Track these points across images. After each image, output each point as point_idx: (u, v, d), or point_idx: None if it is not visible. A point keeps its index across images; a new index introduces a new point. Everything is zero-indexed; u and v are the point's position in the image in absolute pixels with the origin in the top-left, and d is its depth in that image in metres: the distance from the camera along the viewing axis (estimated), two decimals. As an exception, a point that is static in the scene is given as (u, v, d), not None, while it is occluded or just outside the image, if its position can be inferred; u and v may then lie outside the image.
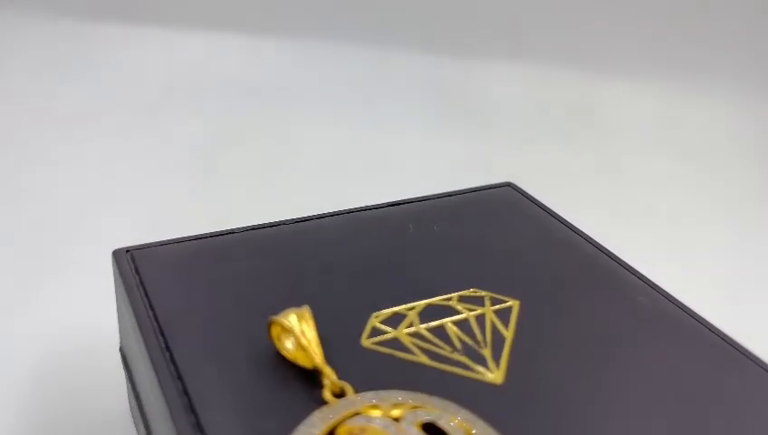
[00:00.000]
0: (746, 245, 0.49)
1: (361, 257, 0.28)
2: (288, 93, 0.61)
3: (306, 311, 0.22)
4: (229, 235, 0.28)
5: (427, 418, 0.20)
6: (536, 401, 0.21)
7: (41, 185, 0.47)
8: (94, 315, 0.34)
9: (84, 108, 0.57)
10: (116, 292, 0.27)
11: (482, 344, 0.23)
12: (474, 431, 0.19)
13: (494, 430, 0.20)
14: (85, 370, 0.32)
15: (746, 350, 0.25)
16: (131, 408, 0.29)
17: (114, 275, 0.26)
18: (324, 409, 0.20)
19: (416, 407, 0.20)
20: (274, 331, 0.22)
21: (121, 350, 0.29)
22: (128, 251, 0.26)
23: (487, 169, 0.55)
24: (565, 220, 0.32)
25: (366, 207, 0.31)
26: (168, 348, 0.22)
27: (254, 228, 0.29)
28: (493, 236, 0.30)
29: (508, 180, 0.35)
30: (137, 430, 0.29)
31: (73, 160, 0.50)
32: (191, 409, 0.20)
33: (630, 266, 0.29)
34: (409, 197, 0.32)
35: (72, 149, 0.52)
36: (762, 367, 0.24)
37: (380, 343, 0.23)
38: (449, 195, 0.33)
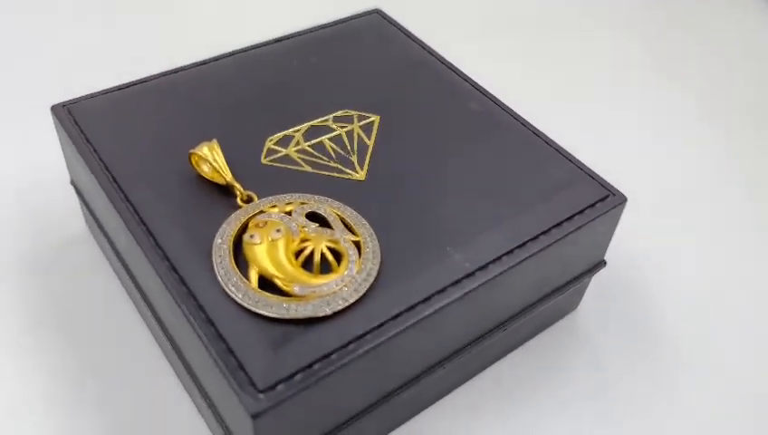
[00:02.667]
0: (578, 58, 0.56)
1: (255, 92, 0.34)
2: None
3: (215, 143, 0.29)
4: (145, 82, 0.34)
5: (309, 209, 0.28)
6: (390, 191, 0.30)
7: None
8: (39, 159, 0.40)
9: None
10: (60, 140, 0.33)
11: (350, 153, 0.32)
12: (342, 214, 0.28)
13: (358, 213, 0.28)
14: (44, 200, 0.39)
15: (554, 142, 0.33)
16: (89, 226, 0.37)
17: (56, 127, 0.33)
18: (238, 212, 0.28)
19: (303, 203, 0.28)
20: (194, 159, 0.29)
21: (73, 183, 0.36)
22: (64, 106, 0.33)
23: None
24: (421, 41, 0.39)
25: (253, 45, 0.37)
26: (114, 180, 0.29)
27: (164, 74, 0.35)
28: (361, 61, 0.37)
29: (377, 7, 0.41)
30: (96, 241, 0.37)
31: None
32: (141, 221, 0.28)
33: (468, 77, 0.37)
34: (291, 32, 0.39)
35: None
36: (569, 159, 0.32)
37: (275, 160, 0.31)
38: (323, 27, 0.39)
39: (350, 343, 0.25)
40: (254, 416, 0.23)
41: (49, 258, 0.36)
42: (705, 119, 0.50)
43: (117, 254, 0.32)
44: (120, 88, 0.34)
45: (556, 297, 0.33)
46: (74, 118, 0.32)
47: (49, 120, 0.40)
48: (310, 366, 0.24)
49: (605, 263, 0.34)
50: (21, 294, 0.35)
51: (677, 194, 0.43)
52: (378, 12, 0.41)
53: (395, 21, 0.40)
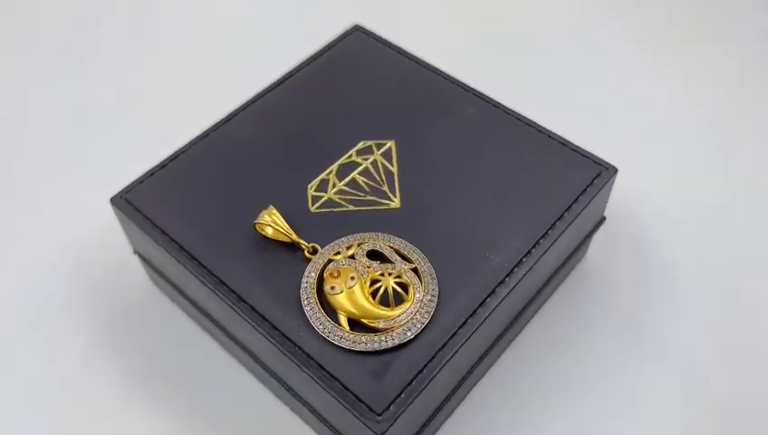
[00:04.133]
0: None
1: (278, 141, 0.38)
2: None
3: (272, 209, 0.34)
4: (179, 156, 0.38)
5: (368, 248, 0.33)
6: (425, 212, 0.35)
7: None
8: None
9: None
10: (124, 227, 0.37)
11: (381, 183, 0.37)
12: (395, 244, 0.33)
13: (405, 240, 0.34)
14: (104, 266, 0.43)
15: (546, 130, 0.38)
16: (157, 285, 0.42)
17: (119, 216, 0.37)
18: (310, 265, 0.33)
19: (360, 244, 0.34)
20: (258, 227, 0.34)
21: (136, 252, 0.40)
22: (121, 196, 0.37)
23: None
24: (405, 51, 0.43)
25: (258, 94, 0.41)
26: (194, 258, 0.34)
27: (192, 143, 0.39)
28: (359, 87, 0.41)
29: (355, 23, 0.45)
30: (171, 299, 0.41)
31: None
32: (231, 290, 0.33)
33: (459, 81, 0.41)
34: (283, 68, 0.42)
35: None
36: (563, 143, 0.38)
37: (321, 206, 0.36)
38: (314, 58, 0.43)
39: (434, 355, 0.31)
40: (381, 434, 0.29)
41: (127, 316, 0.41)
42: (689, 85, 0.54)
43: (206, 315, 0.37)
44: (162, 166, 0.38)
45: (573, 259, 0.39)
46: (135, 206, 0.36)
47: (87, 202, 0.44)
48: (410, 383, 0.30)
49: (605, 218, 0.40)
50: (111, 352, 0.40)
51: (663, 150, 0.49)
52: (358, 29, 0.44)
53: (375, 34, 0.44)
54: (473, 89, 0.41)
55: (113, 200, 0.37)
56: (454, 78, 0.41)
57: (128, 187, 0.37)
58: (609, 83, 0.53)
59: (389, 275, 0.32)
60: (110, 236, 0.43)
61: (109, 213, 0.43)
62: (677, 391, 0.37)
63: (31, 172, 0.49)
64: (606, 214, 0.41)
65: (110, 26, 0.59)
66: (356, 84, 0.41)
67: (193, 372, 0.39)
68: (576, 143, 0.38)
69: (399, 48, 0.43)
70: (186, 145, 0.39)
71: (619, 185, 0.44)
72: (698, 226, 0.44)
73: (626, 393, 0.37)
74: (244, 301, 0.33)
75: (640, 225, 0.44)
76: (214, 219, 0.35)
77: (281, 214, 0.34)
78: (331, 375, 0.30)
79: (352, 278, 0.32)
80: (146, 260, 0.40)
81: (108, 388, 0.38)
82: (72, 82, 0.55)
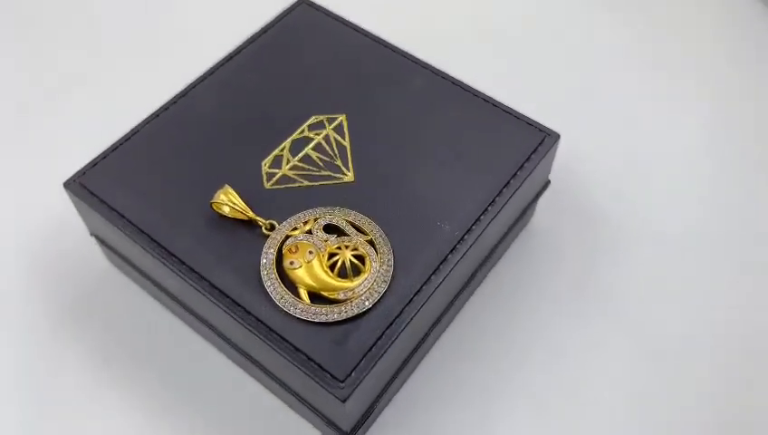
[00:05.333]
0: None
1: (231, 117, 0.39)
2: None
3: (228, 188, 0.35)
4: (133, 135, 0.38)
5: (324, 222, 0.34)
6: (378, 185, 0.36)
7: None
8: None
9: None
10: (80, 211, 0.38)
11: (334, 157, 0.37)
12: (350, 218, 0.35)
13: (360, 213, 0.35)
14: (59, 248, 0.43)
15: (491, 99, 0.40)
16: (116, 265, 0.42)
17: (74, 201, 0.37)
18: (268, 241, 0.34)
19: (316, 218, 0.35)
20: (215, 206, 0.35)
21: (93, 234, 0.40)
22: (75, 180, 0.37)
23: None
24: (352, 24, 0.43)
25: (211, 69, 0.41)
26: (152, 239, 0.34)
27: (147, 121, 0.39)
28: (307, 60, 0.41)
29: (300, -5, 0.45)
30: (131, 277, 0.42)
31: None
32: (191, 269, 0.34)
33: (406, 53, 0.42)
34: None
35: None
36: (508, 112, 0.39)
37: (276, 183, 0.36)
38: (263, 31, 0.43)
39: (392, 322, 0.32)
40: (344, 400, 0.30)
41: (87, 298, 0.41)
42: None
43: (168, 294, 0.38)
44: (114, 148, 0.38)
45: (520, 223, 0.41)
46: (90, 190, 0.36)
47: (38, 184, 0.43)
48: (370, 350, 0.31)
49: (549, 182, 0.42)
50: (74, 334, 0.40)
51: (601, 117, 0.51)
52: (303, 2, 0.44)
53: (322, 8, 0.44)
54: (420, 60, 0.42)
55: (67, 184, 0.37)
56: (401, 50, 0.42)
57: (81, 170, 0.37)
58: (549, 47, 0.54)
59: (346, 247, 0.33)
60: (65, 219, 0.43)
61: (62, 197, 0.43)
62: (620, 342, 0.40)
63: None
64: (551, 178, 0.43)
65: (52, 5, 0.58)
66: (304, 58, 0.42)
67: (158, 350, 0.40)
68: (520, 110, 0.39)
69: (347, 21, 0.44)
70: (137, 125, 0.39)
71: (563, 148, 0.46)
72: (639, 186, 0.46)
73: (573, 346, 0.40)
74: (204, 279, 0.33)
75: (583, 187, 0.46)
76: (170, 199, 0.36)
77: (237, 192, 0.35)
78: (294, 347, 0.31)
79: (310, 253, 0.33)
80: (103, 242, 0.40)
81: (72, 371, 0.39)
82: (11, 60, 0.53)
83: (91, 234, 0.40)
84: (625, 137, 0.49)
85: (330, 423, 0.34)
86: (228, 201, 0.34)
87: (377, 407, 0.35)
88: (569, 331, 0.40)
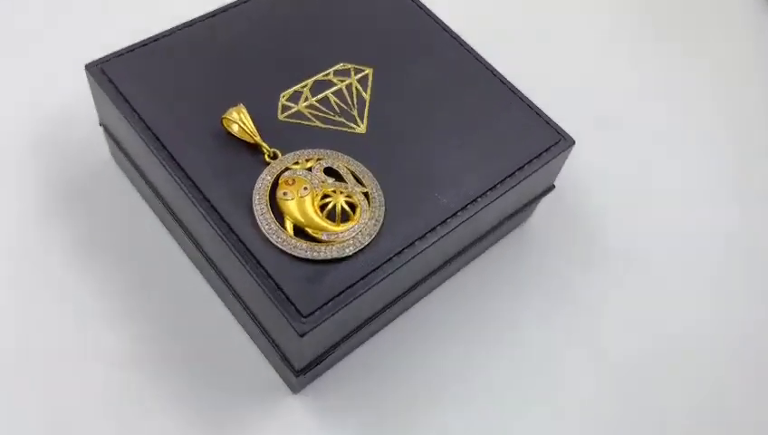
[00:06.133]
0: None
1: (262, 45, 0.39)
2: None
3: (242, 107, 0.35)
4: (164, 37, 0.39)
5: (326, 165, 0.35)
6: (387, 143, 0.37)
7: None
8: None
9: None
10: (95, 96, 0.38)
11: (351, 107, 0.38)
12: (352, 167, 0.35)
13: (364, 166, 0.35)
14: (67, 133, 0.44)
15: (518, 90, 0.40)
16: (117, 161, 0.42)
17: (92, 85, 0.37)
18: (268, 168, 0.34)
19: (320, 159, 0.35)
20: (225, 122, 0.35)
21: (102, 124, 0.41)
22: (97, 65, 0.37)
23: None
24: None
25: (248, -2, 0.41)
26: (158, 139, 0.35)
27: (179, 28, 0.39)
28: (351, 10, 0.42)
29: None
30: (126, 175, 0.42)
31: None
32: (188, 177, 0.34)
33: (448, 27, 0.42)
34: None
35: None
36: (529, 106, 0.39)
37: (290, 117, 0.37)
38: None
39: (367, 275, 0.32)
40: (302, 335, 0.31)
41: (83, 186, 0.42)
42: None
43: (160, 197, 0.38)
44: (144, 44, 0.38)
45: (516, 218, 0.41)
46: (109, 77, 0.37)
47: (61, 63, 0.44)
48: (339, 295, 0.32)
49: (554, 186, 0.42)
50: (60, 218, 0.41)
51: (615, 124, 0.51)
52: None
53: (378, -37, 0.44)
54: (459, 37, 0.42)
55: (88, 67, 0.37)
56: (443, 23, 0.42)
57: (106, 57, 0.37)
58: (596, 62, 0.54)
59: (341, 193, 0.34)
60: (80, 105, 0.44)
61: (83, 81, 0.43)
62: (579, 353, 0.40)
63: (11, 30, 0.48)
64: (557, 183, 0.43)
65: None
66: (347, 8, 0.42)
67: (138, 252, 0.40)
68: (546, 111, 0.40)
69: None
70: (171, 28, 0.39)
71: (578, 158, 0.46)
72: (639, 215, 0.46)
73: (536, 353, 0.40)
74: (199, 190, 0.34)
75: (586, 201, 0.46)
76: (183, 106, 0.36)
77: (250, 115, 0.35)
78: (267, 273, 0.32)
79: (305, 189, 0.33)
80: (110, 134, 0.40)
81: (53, 253, 0.39)
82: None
83: (101, 123, 0.41)
84: (641, 166, 0.49)
85: (284, 359, 0.34)
86: (239, 120, 0.35)
87: (330, 356, 0.35)
88: (534, 335, 0.40)
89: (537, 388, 0.39)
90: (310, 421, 0.36)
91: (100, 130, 0.42)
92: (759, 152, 0.51)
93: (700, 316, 0.42)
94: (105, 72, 0.37)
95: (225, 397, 0.36)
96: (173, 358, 0.37)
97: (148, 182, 0.39)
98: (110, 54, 0.38)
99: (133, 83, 0.37)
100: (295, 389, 0.36)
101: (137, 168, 0.39)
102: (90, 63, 0.37)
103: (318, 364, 0.35)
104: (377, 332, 0.39)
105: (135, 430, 0.35)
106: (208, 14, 0.40)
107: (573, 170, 0.46)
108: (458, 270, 0.42)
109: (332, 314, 0.31)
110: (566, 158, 0.40)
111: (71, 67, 0.44)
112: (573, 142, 0.39)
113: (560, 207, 0.45)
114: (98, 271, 0.39)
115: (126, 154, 0.40)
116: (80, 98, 0.44)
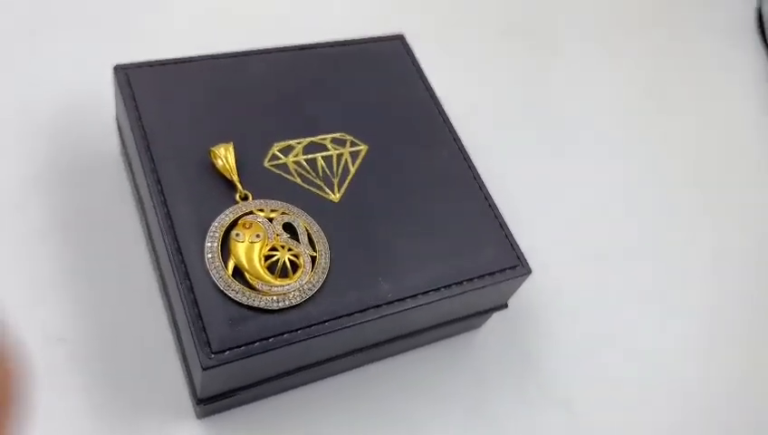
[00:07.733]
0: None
1: (277, 94, 0.42)
2: None
3: (231, 145, 0.38)
4: (193, 61, 0.42)
5: (287, 220, 0.37)
6: (354, 218, 0.38)
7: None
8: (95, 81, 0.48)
9: None
10: (115, 95, 0.41)
11: (334, 175, 0.40)
12: (310, 229, 0.37)
13: (323, 232, 0.37)
14: (83, 126, 0.47)
15: (494, 205, 0.41)
16: (123, 157, 0.45)
17: (114, 85, 0.40)
18: (234, 207, 0.36)
19: (284, 213, 0.37)
20: (212, 154, 0.38)
21: (117, 120, 0.44)
22: (124, 69, 0.40)
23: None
24: (426, 80, 0.46)
25: (286, 47, 0.44)
26: (149, 149, 0.38)
27: (212, 57, 0.42)
28: (368, 87, 0.44)
29: (402, 33, 0.48)
30: (125, 169, 0.45)
31: None
32: (161, 192, 0.36)
33: (450, 123, 0.44)
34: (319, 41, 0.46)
35: None
36: (499, 222, 0.41)
37: (275, 166, 0.39)
38: (346, 43, 0.46)
39: (285, 332, 0.34)
40: (205, 368, 0.32)
41: (83, 172, 0.45)
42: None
43: (138, 197, 0.41)
44: (175, 62, 0.41)
45: (458, 325, 0.42)
46: (130, 82, 0.40)
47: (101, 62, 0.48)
48: (253, 343, 0.33)
49: (507, 305, 0.43)
50: (49, 198, 0.43)
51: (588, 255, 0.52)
52: (401, 39, 0.47)
53: (412, 52, 0.47)
54: (459, 138, 0.44)
55: (116, 69, 0.40)
56: (449, 119, 0.44)
57: (137, 63, 0.41)
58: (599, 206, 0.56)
59: (289, 250, 0.36)
60: (105, 98, 0.47)
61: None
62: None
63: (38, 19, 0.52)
64: (515, 304, 0.44)
65: None
66: (367, 83, 0.44)
67: (109, 241, 0.43)
68: (531, 230, 0.41)
69: (423, 71, 0.46)
70: (197, 56, 0.42)
71: (548, 286, 0.47)
72: (589, 349, 0.47)
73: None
74: (166, 205, 0.36)
75: (541, 326, 0.47)
76: (184, 128, 0.39)
77: (238, 155, 0.38)
78: (195, 300, 0.34)
79: (258, 236, 0.35)
80: (119, 131, 0.43)
81: (33, 226, 0.42)
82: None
83: (116, 118, 0.44)
84: (611, 320, 0.49)
85: (191, 383, 0.36)
86: (223, 156, 0.37)
87: (234, 397, 0.37)
88: (444, 440, 0.41)
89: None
90: (201, 449, 0.37)
91: (115, 125, 0.45)
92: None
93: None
94: (128, 77, 0.40)
95: (132, 399, 0.38)
96: (98, 348, 0.39)
97: (134, 183, 0.42)
98: (143, 62, 0.41)
99: (147, 93, 0.40)
100: (198, 415, 0.38)
101: (130, 168, 0.42)
102: (118, 66, 0.40)
103: (221, 400, 0.36)
104: (291, 388, 0.40)
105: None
106: (236, 52, 0.43)
107: (539, 295, 0.47)
108: (384, 358, 0.43)
109: (241, 359, 0.33)
110: (520, 283, 0.41)
111: (108, 61, 0.48)
112: (529, 272, 0.40)
113: (509, 328, 0.46)
114: (66, 253, 0.42)
115: (126, 154, 0.43)
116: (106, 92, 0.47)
